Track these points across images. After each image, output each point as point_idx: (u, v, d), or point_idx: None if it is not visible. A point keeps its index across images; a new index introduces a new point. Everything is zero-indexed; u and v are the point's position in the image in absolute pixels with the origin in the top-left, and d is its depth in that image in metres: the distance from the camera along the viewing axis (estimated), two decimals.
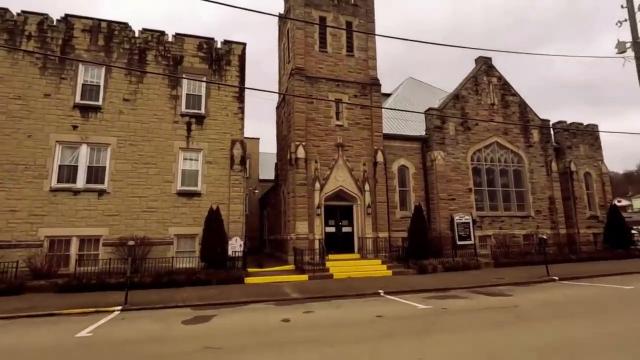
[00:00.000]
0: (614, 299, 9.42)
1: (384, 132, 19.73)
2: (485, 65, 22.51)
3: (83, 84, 15.16)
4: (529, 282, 12.83)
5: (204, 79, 16.53)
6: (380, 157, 18.77)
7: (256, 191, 27.69)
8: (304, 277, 14.34)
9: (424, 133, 20.89)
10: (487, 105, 21.87)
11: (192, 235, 15.36)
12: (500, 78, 22.64)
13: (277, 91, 16.84)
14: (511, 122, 21.90)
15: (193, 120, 16.22)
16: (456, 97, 21.47)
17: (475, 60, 22.93)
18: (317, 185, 17.49)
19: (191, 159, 16.08)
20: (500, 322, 7.19)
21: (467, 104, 21.46)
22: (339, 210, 18.50)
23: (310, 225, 17.17)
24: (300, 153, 17.42)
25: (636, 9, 18.41)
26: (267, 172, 35.45)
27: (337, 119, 18.69)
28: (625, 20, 18.57)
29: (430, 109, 20.72)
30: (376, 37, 20.57)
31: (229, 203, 15.95)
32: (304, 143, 17.56)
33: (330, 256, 16.76)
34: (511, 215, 21.14)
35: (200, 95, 16.60)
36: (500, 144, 21.75)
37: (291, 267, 16.44)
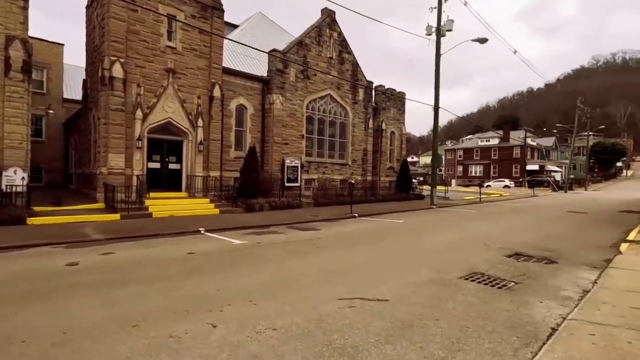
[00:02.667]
0: (389, 230, 12.15)
1: (224, 65, 18.39)
2: (329, 18, 23.37)
3: None
4: (337, 218, 15.11)
5: None
6: (217, 92, 17.55)
7: (51, 112, 21.65)
8: (115, 216, 12.64)
9: (266, 74, 20.57)
10: (326, 58, 23.12)
11: None
12: (340, 34, 24.09)
13: None
14: (344, 79, 24.01)
15: None
16: (300, 43, 21.75)
17: (322, 10, 23.48)
18: (139, 113, 15.10)
19: None
20: (302, 252, 8.19)
21: (310, 53, 22.12)
22: (166, 144, 16.72)
23: (128, 159, 14.96)
24: (118, 71, 14.40)
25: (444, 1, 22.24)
26: (76, 90, 28.34)
27: (170, 39, 16.12)
28: (435, 7, 22.30)
29: (274, 50, 20.37)
30: None
31: (3, 122, 11.99)
32: (122, 60, 14.51)
33: (153, 194, 15.27)
34: (334, 162, 24.05)
35: None
36: (333, 97, 23.75)
37: (101, 205, 14.17)
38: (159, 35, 15.73)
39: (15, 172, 12.00)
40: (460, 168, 71.25)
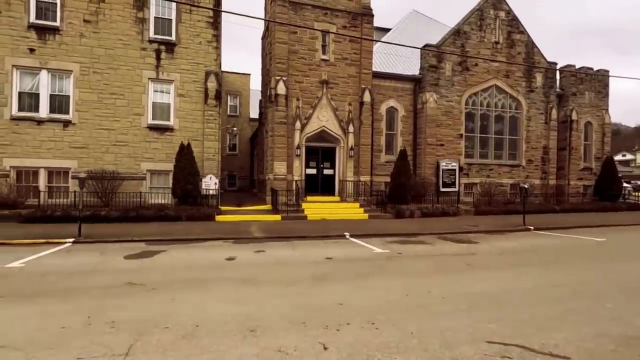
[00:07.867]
0: (577, 250, 9.15)
1: (374, 69, 18.32)
2: None
3: (37, 1, 13.65)
4: (503, 230, 12.60)
5: None
6: (367, 97, 17.62)
7: (234, 129, 26.64)
8: (277, 217, 14.21)
9: (417, 73, 19.41)
10: (490, 43, 19.99)
11: (165, 171, 14.95)
12: (509, 12, 20.41)
13: (261, 17, 15.04)
14: (515, 63, 20.19)
15: (163, 47, 14.90)
16: (457, 32, 19.55)
17: None
18: (298, 124, 16.65)
19: (162, 91, 15.09)
20: (449, 269, 6.94)
21: (469, 42, 19.60)
22: (321, 151, 17.86)
23: (290, 166, 16.68)
24: (281, 89, 16.30)
25: None
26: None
27: (323, 52, 17.21)
28: None
29: (426, 45, 18.98)
30: None
31: (204, 140, 15.29)
32: (284, 78, 16.35)
33: (309, 198, 16.54)
34: (501, 163, 20.47)
35: (170, 20, 15.06)
36: (500, 88, 20.30)
37: (268, 207, 16.30)
38: (314, 50, 17.01)
39: (210, 178, 15.11)
40: None
